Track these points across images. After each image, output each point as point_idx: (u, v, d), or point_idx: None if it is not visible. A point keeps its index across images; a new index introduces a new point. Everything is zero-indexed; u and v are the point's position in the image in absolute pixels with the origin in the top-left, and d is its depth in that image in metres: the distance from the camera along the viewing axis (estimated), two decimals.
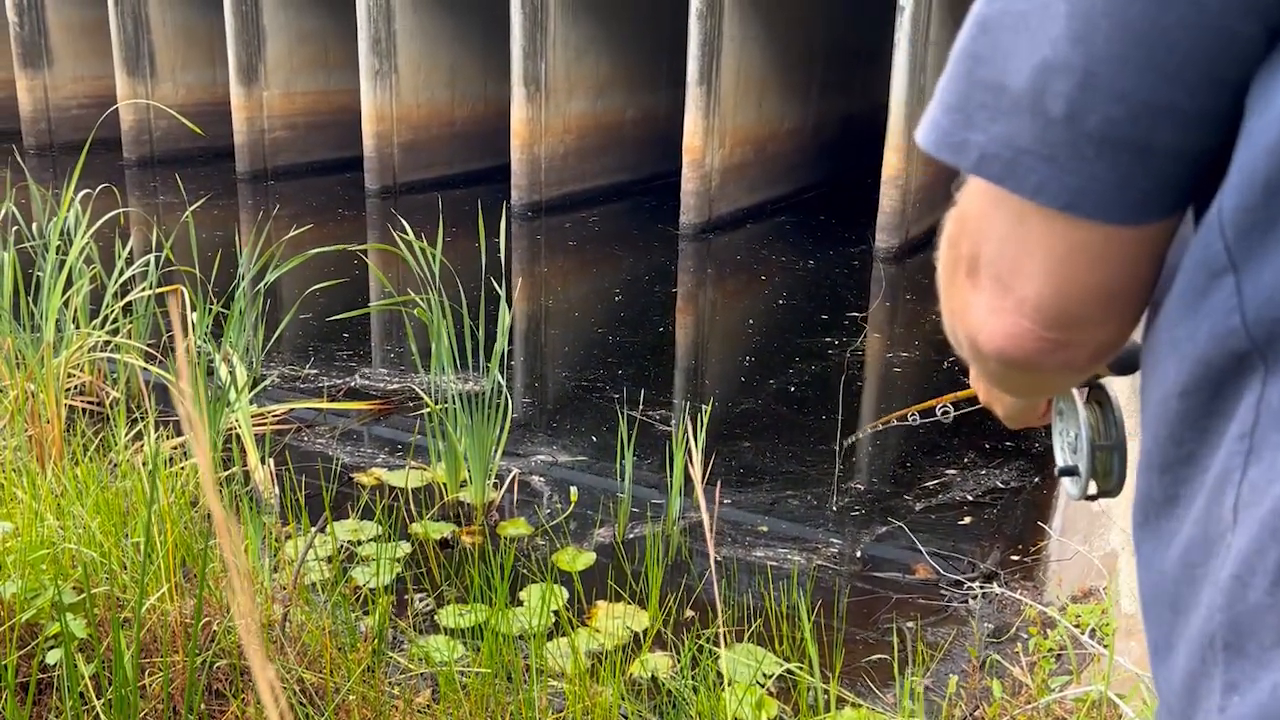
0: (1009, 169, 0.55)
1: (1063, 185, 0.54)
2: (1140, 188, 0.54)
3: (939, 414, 1.38)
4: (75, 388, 5.28)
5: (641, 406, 6.05)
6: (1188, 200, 0.55)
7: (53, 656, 2.46)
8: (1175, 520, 0.55)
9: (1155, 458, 0.57)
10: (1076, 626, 3.09)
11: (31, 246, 5.29)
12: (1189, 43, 0.50)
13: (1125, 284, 0.57)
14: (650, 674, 3.21)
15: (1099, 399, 0.76)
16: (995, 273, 0.59)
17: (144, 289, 5.36)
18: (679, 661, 3.07)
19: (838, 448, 5.55)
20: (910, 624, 3.85)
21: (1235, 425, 0.51)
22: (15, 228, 5.23)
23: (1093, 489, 0.78)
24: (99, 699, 2.36)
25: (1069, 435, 0.80)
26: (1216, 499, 0.51)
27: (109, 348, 5.17)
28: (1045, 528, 4.53)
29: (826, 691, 2.80)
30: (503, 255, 5.24)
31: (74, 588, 2.67)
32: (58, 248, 4.83)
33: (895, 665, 3.24)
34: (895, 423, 1.57)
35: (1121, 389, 0.85)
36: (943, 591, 4.14)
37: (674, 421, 6.01)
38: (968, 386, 0.70)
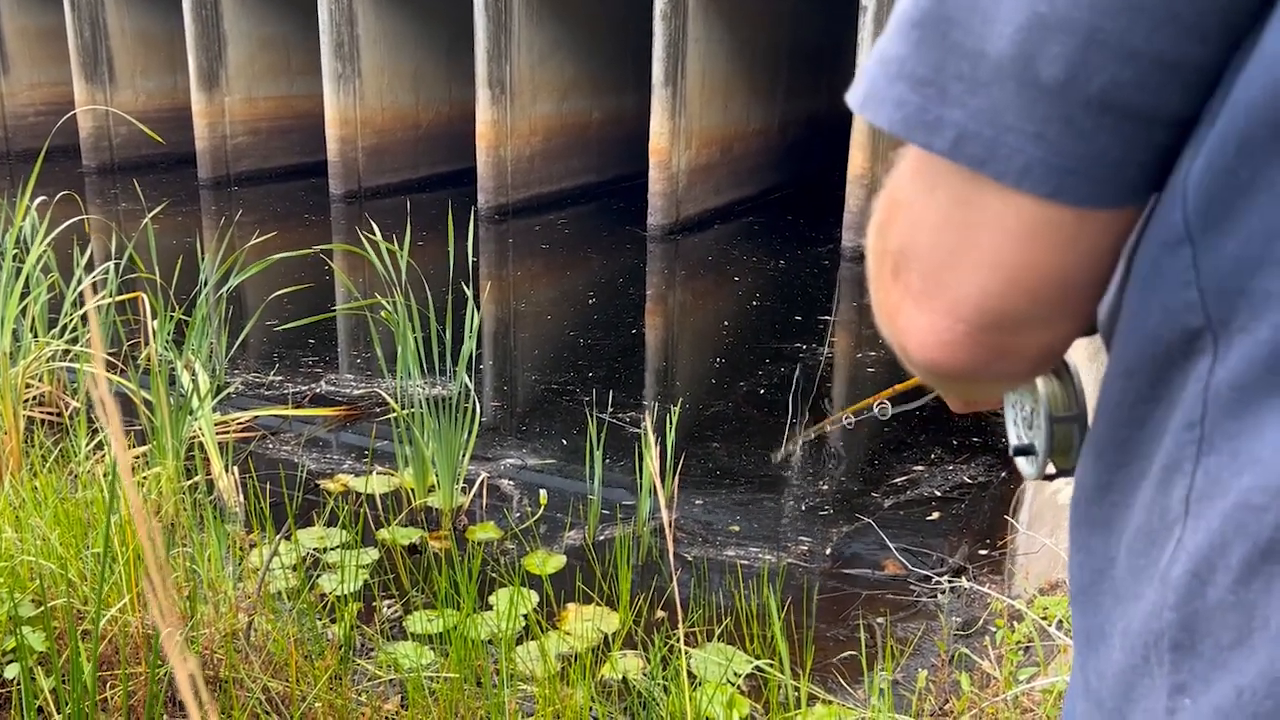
0: (990, 150, 0.48)
1: (1051, 168, 0.47)
2: (1138, 162, 0.48)
3: (875, 411, 1.33)
4: (34, 398, 5.20)
5: (611, 408, 6.04)
6: (1168, 175, 0.49)
7: (10, 671, 2.41)
8: (1114, 506, 0.53)
9: (1095, 441, 0.55)
10: (1044, 618, 3.11)
11: None
12: None
13: (1085, 273, 0.51)
14: (621, 675, 3.20)
15: (1057, 370, 0.69)
16: (927, 268, 0.53)
17: (104, 296, 5.28)
18: (649, 662, 3.06)
19: (783, 450, 5.52)
20: (880, 620, 3.87)
21: (1180, 413, 0.48)
22: None
23: (1051, 468, 0.71)
24: (58, 713, 2.32)
25: (1024, 410, 0.74)
26: (1163, 489, 0.48)
27: (68, 357, 5.09)
28: (1012, 521, 4.56)
29: (797, 689, 2.81)
30: (470, 258, 5.21)
31: (32, 600, 2.63)
32: (14, 256, 4.75)
33: (864, 661, 3.25)
34: (829, 428, 1.54)
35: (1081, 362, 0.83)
36: (912, 587, 4.16)
37: (644, 423, 6.00)
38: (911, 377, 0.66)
